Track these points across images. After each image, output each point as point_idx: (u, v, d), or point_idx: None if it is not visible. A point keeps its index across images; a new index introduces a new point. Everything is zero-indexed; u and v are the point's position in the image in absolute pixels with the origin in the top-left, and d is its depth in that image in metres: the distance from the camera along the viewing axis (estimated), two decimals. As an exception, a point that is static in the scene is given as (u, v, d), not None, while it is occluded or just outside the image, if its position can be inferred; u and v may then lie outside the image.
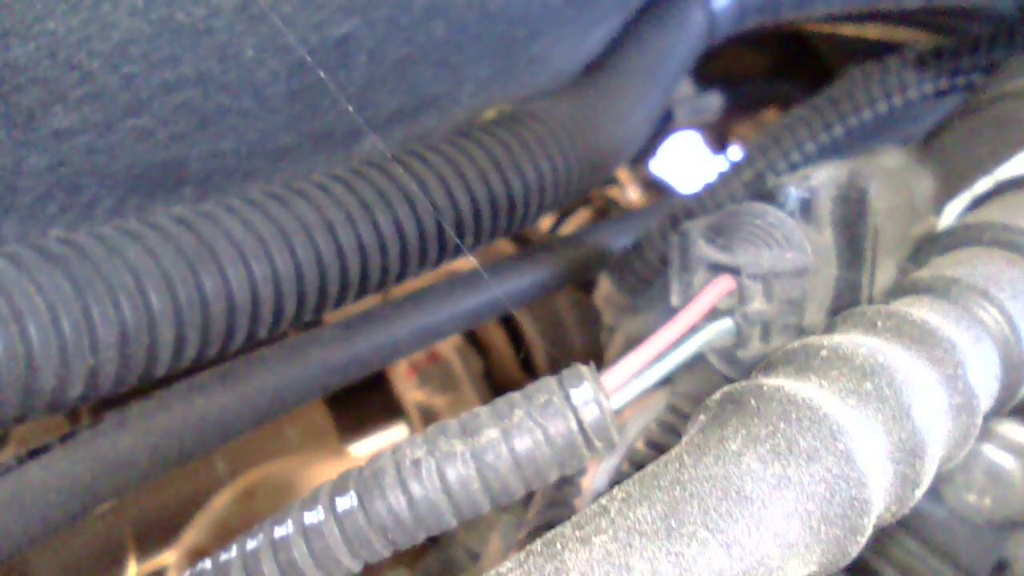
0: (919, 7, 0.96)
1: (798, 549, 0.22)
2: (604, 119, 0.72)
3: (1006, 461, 0.44)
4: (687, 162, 1.52)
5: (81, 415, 1.12)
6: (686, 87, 1.34)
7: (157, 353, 0.46)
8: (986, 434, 0.45)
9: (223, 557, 0.34)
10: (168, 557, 1.07)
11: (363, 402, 1.24)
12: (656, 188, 1.54)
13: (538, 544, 0.20)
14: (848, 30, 1.24)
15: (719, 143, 1.56)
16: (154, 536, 1.06)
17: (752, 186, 0.62)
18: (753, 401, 0.24)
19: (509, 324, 1.31)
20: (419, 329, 0.71)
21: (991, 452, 0.44)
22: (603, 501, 0.21)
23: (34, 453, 0.46)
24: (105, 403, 0.53)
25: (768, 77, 1.51)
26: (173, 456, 0.51)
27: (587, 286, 1.20)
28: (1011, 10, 0.90)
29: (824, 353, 0.26)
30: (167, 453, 0.50)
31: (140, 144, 0.44)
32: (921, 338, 0.27)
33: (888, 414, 0.24)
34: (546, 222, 1.45)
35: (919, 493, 0.26)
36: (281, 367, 0.58)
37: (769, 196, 0.39)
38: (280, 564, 0.33)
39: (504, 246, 1.32)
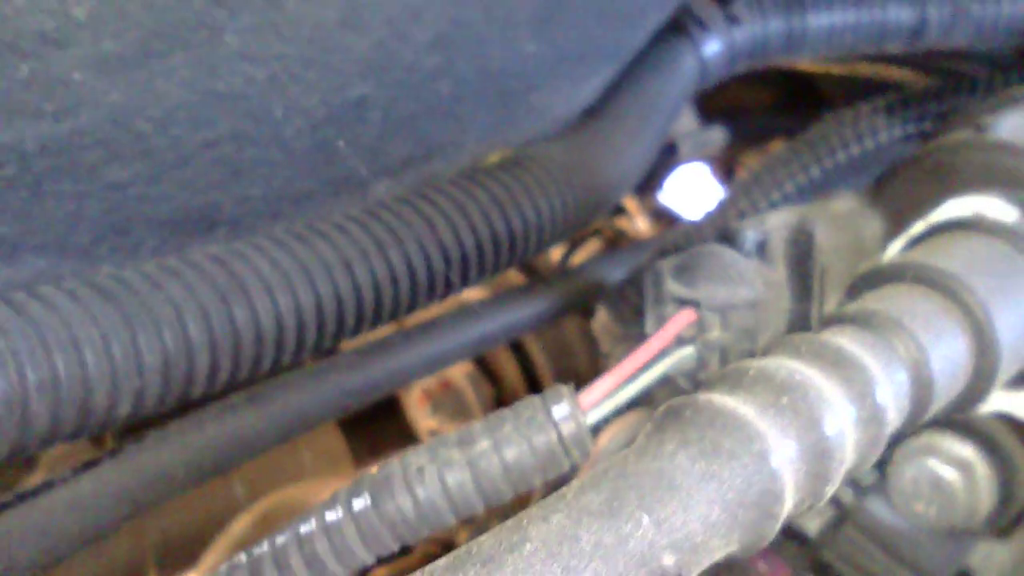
0: (901, 53, 1.02)
1: (719, 529, 0.27)
2: (599, 161, 0.78)
3: (948, 473, 0.49)
4: (695, 193, 1.56)
5: (105, 441, 1.17)
6: (690, 122, 1.39)
7: (194, 377, 0.52)
8: (931, 449, 0.50)
9: (256, 551, 0.40)
10: (190, 576, 1.11)
11: (377, 428, 1.27)
12: (665, 218, 1.59)
13: (510, 521, 0.26)
14: (839, 69, 1.29)
15: (727, 174, 1.61)
16: (174, 557, 1.10)
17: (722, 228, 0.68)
18: (688, 412, 0.29)
19: (519, 352, 1.36)
20: (429, 356, 0.77)
21: (935, 465, 0.50)
22: (563, 489, 0.27)
23: (87, 465, 0.52)
24: (140, 425, 0.59)
25: (771, 111, 1.56)
26: (207, 469, 0.57)
27: (591, 314, 1.25)
28: (1001, 51, 0.95)
29: (751, 373, 0.31)
30: (202, 466, 0.56)
31: (182, 192, 0.50)
32: (836, 361, 0.33)
33: (800, 423, 0.30)
34: (556, 252, 1.50)
35: (830, 489, 0.31)
36: (302, 390, 0.64)
37: (730, 238, 0.45)
38: (304, 556, 0.38)
39: (514, 276, 1.37)
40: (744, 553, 0.29)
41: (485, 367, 1.36)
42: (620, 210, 1.56)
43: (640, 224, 1.61)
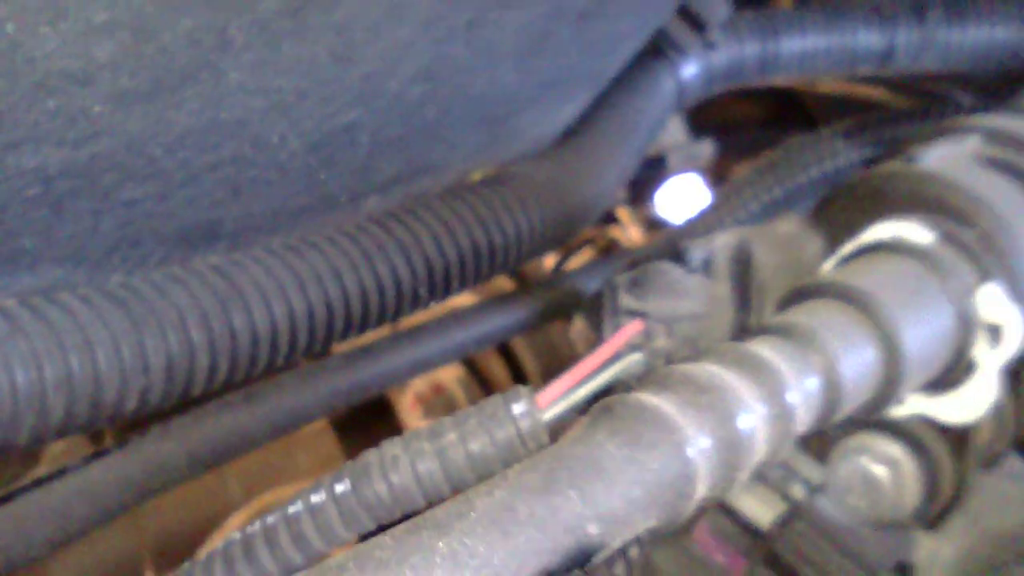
0: (870, 76, 1.07)
1: (639, 505, 0.32)
2: (577, 178, 0.83)
3: (878, 470, 0.54)
4: (688, 203, 1.60)
5: (104, 438, 1.21)
6: (679, 135, 1.44)
7: (195, 376, 0.57)
8: (863, 448, 0.55)
9: (249, 530, 0.45)
10: (184, 572, 1.15)
11: (370, 431, 1.31)
12: (658, 228, 1.63)
13: (460, 495, 0.31)
14: (825, 87, 1.33)
15: (719, 184, 1.66)
16: (171, 553, 1.14)
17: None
18: (618, 407, 0.35)
19: (508, 357, 1.40)
20: (417, 358, 0.82)
21: (866, 462, 0.55)
22: (508, 470, 0.32)
23: (97, 455, 0.57)
24: (145, 420, 0.64)
25: (762, 125, 1.60)
26: (206, 461, 0.62)
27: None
28: (983, 74, 1.00)
29: (676, 375, 0.37)
30: (201, 458, 0.61)
31: (187, 209, 0.55)
32: (753, 366, 0.38)
33: (715, 419, 0.35)
34: (550, 260, 1.55)
35: (742, 476, 0.36)
36: (296, 390, 0.69)
37: (679, 256, 0.50)
38: (292, 534, 0.44)
39: (505, 283, 1.42)
40: (664, 527, 0.35)
41: (476, 371, 1.40)
42: (614, 220, 1.61)
43: (633, 234, 1.65)
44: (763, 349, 0.39)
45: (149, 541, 1.12)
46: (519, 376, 1.36)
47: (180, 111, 0.47)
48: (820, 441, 0.62)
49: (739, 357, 0.38)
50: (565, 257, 1.56)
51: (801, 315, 0.43)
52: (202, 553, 1.22)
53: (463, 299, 1.16)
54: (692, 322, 0.47)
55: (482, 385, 1.40)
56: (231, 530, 1.19)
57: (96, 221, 0.51)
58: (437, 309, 0.82)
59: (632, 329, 0.47)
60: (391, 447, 0.43)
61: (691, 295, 0.47)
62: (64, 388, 0.50)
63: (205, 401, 0.66)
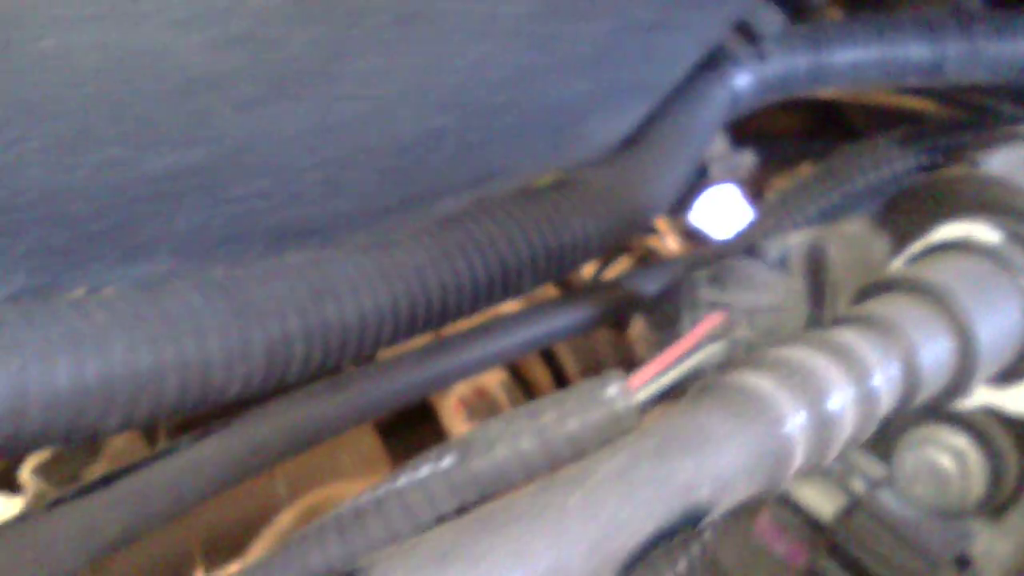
0: (917, 87, 1.09)
1: (743, 472, 0.35)
2: (637, 184, 0.86)
3: (944, 460, 0.57)
4: (725, 213, 1.62)
5: (158, 436, 1.26)
6: (722, 145, 1.46)
7: (291, 364, 0.61)
8: (930, 439, 0.58)
9: (360, 500, 0.48)
10: (233, 568, 1.18)
11: (413, 433, 1.33)
12: (694, 238, 1.65)
13: (586, 459, 0.34)
14: (865, 98, 1.36)
15: (757, 196, 1.68)
16: (220, 550, 1.17)
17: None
18: (719, 385, 0.38)
19: (551, 362, 1.42)
20: (466, 362, 0.85)
21: (933, 453, 0.57)
22: (623, 438, 0.35)
23: (204, 434, 0.61)
24: (219, 413, 0.68)
25: (801, 137, 1.62)
26: (299, 444, 0.65)
27: (621, 326, 1.33)
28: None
29: (770, 357, 0.40)
30: (295, 441, 0.65)
31: (288, 206, 0.59)
32: (840, 351, 0.41)
33: (808, 397, 0.38)
34: (589, 269, 1.57)
35: (833, 451, 0.39)
36: (377, 380, 0.73)
37: (756, 252, 0.53)
38: (400, 505, 0.47)
39: (549, 289, 1.44)
40: (763, 495, 0.37)
41: (518, 375, 1.43)
42: (651, 229, 1.63)
43: (670, 243, 1.67)
44: (848, 336, 0.42)
45: (199, 539, 1.15)
46: (561, 380, 1.38)
47: (294, 115, 0.51)
48: (879, 438, 0.65)
49: (827, 343, 0.41)
50: (604, 265, 1.58)
51: (881, 306, 0.45)
52: (252, 552, 1.25)
53: (509, 306, 1.18)
54: (771, 314, 0.50)
55: (524, 389, 1.42)
56: (282, 525, 1.23)
57: (210, 216, 0.54)
58: (486, 315, 0.84)
59: (716, 320, 0.50)
60: (493, 426, 0.47)
61: (770, 289, 0.50)
62: (179, 371, 0.54)
63: (290, 391, 0.70)
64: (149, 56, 0.41)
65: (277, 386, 0.62)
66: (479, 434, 0.47)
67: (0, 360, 0.46)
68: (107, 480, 0.55)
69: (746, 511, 0.76)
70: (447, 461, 0.46)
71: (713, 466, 0.34)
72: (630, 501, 0.32)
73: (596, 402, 0.46)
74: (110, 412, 0.51)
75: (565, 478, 0.33)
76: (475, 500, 0.46)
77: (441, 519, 0.47)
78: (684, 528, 0.34)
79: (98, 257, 0.54)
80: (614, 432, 0.46)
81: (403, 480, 0.47)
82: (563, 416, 0.46)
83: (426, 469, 0.47)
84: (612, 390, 0.46)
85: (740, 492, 0.36)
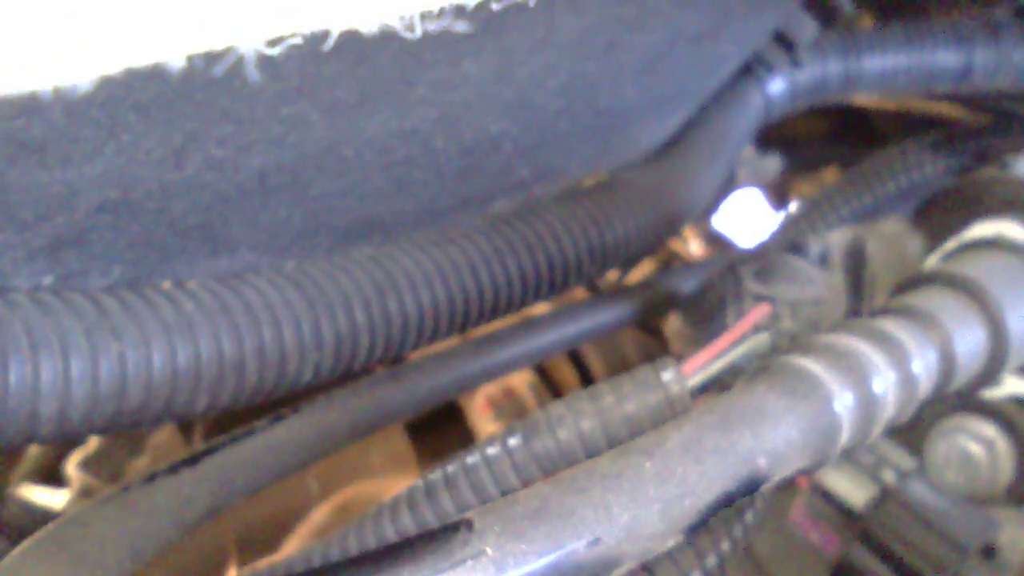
0: (945, 93, 1.12)
1: (796, 447, 0.39)
2: (677, 186, 0.90)
3: (974, 448, 0.60)
4: (748, 217, 1.64)
5: (194, 432, 1.29)
6: (748, 151, 1.49)
7: (357, 353, 0.65)
8: (961, 428, 0.61)
9: (431, 477, 0.52)
10: (267, 563, 1.21)
11: (441, 433, 1.36)
12: (717, 242, 1.68)
13: (654, 430, 0.38)
14: (891, 104, 1.38)
15: (780, 200, 1.70)
16: (254, 545, 1.21)
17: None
18: (773, 367, 0.41)
19: (579, 363, 1.45)
20: (494, 363, 0.88)
21: (964, 441, 0.61)
22: (688, 413, 0.39)
23: (277, 419, 0.65)
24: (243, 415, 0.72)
25: (826, 142, 1.64)
26: (361, 429, 0.70)
27: (648, 328, 1.36)
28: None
29: (820, 343, 0.43)
30: (358, 426, 0.69)
31: (359, 205, 0.63)
32: (882, 339, 0.45)
33: (854, 379, 0.42)
34: (613, 272, 1.59)
35: (876, 430, 0.43)
36: (435, 371, 0.77)
37: (799, 249, 0.57)
38: (470, 481, 0.51)
39: (578, 292, 1.47)
40: (812, 469, 0.41)
41: (546, 376, 1.45)
42: (676, 233, 1.65)
43: (694, 247, 1.70)
44: (889, 325, 0.46)
45: (233, 535, 1.17)
46: (587, 381, 1.41)
47: (373, 119, 0.55)
48: (911, 430, 0.68)
49: (870, 330, 0.45)
50: (627, 269, 1.61)
51: (918, 298, 0.49)
52: (285, 548, 1.28)
53: (539, 307, 1.21)
54: (813, 306, 0.54)
55: (551, 389, 1.45)
56: (316, 521, 1.26)
57: (290, 213, 0.59)
58: (519, 316, 0.87)
59: (762, 311, 0.53)
60: (557, 407, 0.51)
61: (812, 283, 0.54)
62: (258, 359, 0.58)
63: (355, 378, 0.74)
64: (253, 65, 0.45)
65: (343, 375, 0.66)
66: (543, 416, 0.51)
67: (103, 346, 0.50)
68: (194, 459, 0.60)
69: (780, 500, 0.80)
70: (514, 440, 0.50)
71: (770, 439, 0.38)
72: (697, 467, 0.36)
73: (652, 386, 0.50)
74: (199, 394, 0.55)
75: (640, 446, 0.37)
76: (539, 477, 0.50)
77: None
78: (744, 494, 0.38)
79: (188, 251, 0.58)
80: (668, 414, 0.50)
81: (473, 458, 0.51)
82: (622, 398, 0.50)
83: (494, 448, 0.51)
84: (667, 375, 0.50)
85: (793, 464, 0.40)
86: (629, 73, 0.70)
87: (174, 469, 0.57)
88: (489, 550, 0.31)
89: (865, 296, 0.56)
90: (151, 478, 0.55)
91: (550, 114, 0.67)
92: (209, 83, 0.45)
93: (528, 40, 0.57)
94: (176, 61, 0.42)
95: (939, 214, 0.61)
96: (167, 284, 0.59)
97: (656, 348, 1.33)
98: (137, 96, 0.44)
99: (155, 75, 0.44)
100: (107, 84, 0.43)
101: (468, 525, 0.32)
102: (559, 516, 0.33)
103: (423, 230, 0.73)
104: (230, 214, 0.56)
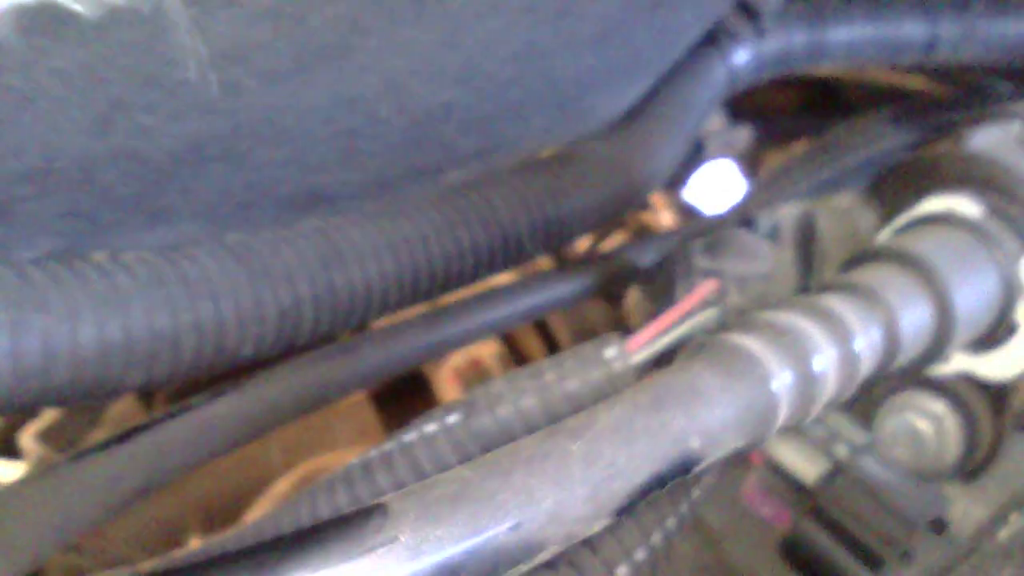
0: (911, 65, 1.11)
1: (732, 426, 0.38)
2: (636, 158, 0.88)
3: (922, 425, 0.60)
4: (720, 188, 1.64)
5: (154, 401, 1.28)
6: (718, 121, 1.48)
7: (300, 327, 0.64)
8: (909, 404, 0.61)
9: (369, 455, 0.51)
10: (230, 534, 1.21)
11: (408, 404, 1.34)
12: (688, 213, 1.68)
13: (585, 410, 0.37)
14: (860, 76, 1.38)
15: (753, 171, 1.70)
16: (215, 518, 1.20)
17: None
18: (712, 345, 0.41)
19: (544, 333, 1.44)
20: (460, 333, 0.87)
21: (912, 418, 0.60)
22: (621, 392, 0.38)
23: (217, 395, 0.64)
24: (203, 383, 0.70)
25: (797, 113, 1.64)
26: (306, 405, 0.68)
27: (613, 298, 1.35)
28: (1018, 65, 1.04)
29: (760, 320, 0.42)
30: (302, 401, 0.68)
31: (301, 175, 0.62)
32: (824, 316, 0.44)
33: (793, 358, 0.41)
34: (584, 243, 1.59)
35: (816, 408, 0.42)
36: (382, 345, 0.75)
37: (749, 223, 0.56)
38: (407, 460, 0.50)
39: (544, 262, 1.46)
40: (748, 449, 0.40)
41: (512, 346, 1.45)
42: (646, 204, 1.65)
43: (664, 218, 1.69)
44: (833, 302, 0.45)
45: (194, 507, 1.18)
46: (554, 352, 1.40)
47: (312, 87, 0.53)
48: (862, 405, 0.68)
49: (813, 307, 0.44)
50: (599, 238, 1.60)
51: (865, 275, 0.48)
52: (248, 517, 1.27)
53: (504, 277, 1.20)
54: (761, 281, 0.53)
55: (518, 360, 1.44)
56: (278, 492, 1.25)
57: (229, 184, 0.57)
58: (482, 285, 0.86)
59: (709, 286, 0.53)
60: (496, 385, 0.50)
61: (761, 258, 0.53)
62: (194, 333, 0.57)
63: (296, 355, 0.72)
64: (179, 29, 0.43)
65: (287, 349, 0.65)
66: (482, 392, 0.49)
67: (28, 320, 0.48)
68: (126, 435, 0.58)
69: (732, 474, 0.79)
70: (452, 418, 0.49)
71: (704, 419, 0.37)
72: (627, 449, 0.35)
73: (595, 363, 0.49)
74: (130, 370, 0.54)
75: (568, 427, 0.36)
76: (478, 455, 0.49)
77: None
78: (676, 476, 0.37)
79: (121, 222, 0.56)
80: (611, 392, 0.49)
81: (410, 436, 0.50)
82: (563, 376, 0.49)
83: (432, 426, 0.50)
84: (610, 352, 0.49)
85: (728, 444, 0.39)
86: (583, 41, 0.68)
87: (104, 446, 0.56)
88: (403, 536, 0.30)
89: (815, 271, 0.55)
90: (79, 456, 0.54)
91: (502, 83, 0.65)
92: (131, 46, 0.43)
93: (474, 5, 0.55)
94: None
95: (892, 189, 0.60)
96: (100, 255, 0.57)
97: (624, 319, 1.33)
98: (54, 61, 0.42)
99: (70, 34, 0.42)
100: (21, 48, 0.41)
101: (383, 510, 0.31)
102: (479, 500, 0.32)
103: (372, 201, 0.71)
104: (165, 183, 0.54)
